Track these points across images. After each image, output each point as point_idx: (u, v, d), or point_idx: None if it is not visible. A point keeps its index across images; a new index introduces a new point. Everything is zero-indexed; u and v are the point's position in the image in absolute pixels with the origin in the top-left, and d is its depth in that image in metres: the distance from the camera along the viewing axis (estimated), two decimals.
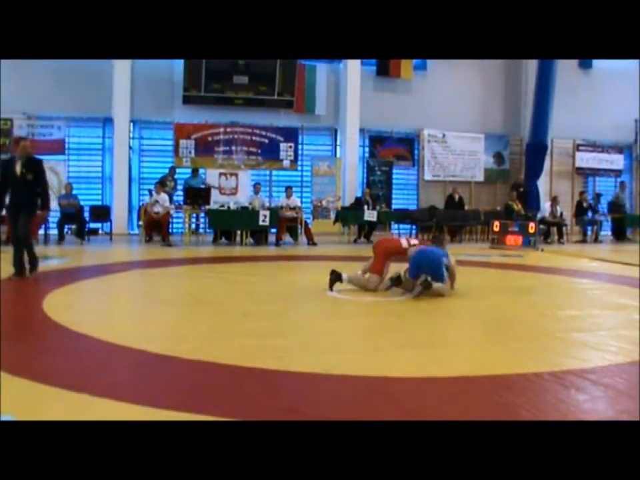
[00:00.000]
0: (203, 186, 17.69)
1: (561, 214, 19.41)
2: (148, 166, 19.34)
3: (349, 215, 17.84)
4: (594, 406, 4.04)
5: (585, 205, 20.09)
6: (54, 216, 15.87)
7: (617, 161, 23.44)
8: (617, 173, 23.49)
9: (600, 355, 5.33)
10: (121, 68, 18.10)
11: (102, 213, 17.49)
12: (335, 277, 8.32)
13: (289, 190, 17.32)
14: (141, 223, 16.95)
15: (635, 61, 23.44)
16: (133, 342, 5.35)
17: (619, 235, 20.42)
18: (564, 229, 19.34)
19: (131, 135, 19.04)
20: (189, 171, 18.74)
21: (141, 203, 18.28)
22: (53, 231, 15.90)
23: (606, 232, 20.84)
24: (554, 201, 19.72)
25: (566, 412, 3.90)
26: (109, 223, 17.32)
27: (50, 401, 3.87)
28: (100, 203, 18.46)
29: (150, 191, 16.89)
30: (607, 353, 5.40)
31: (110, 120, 18.61)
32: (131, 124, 18.92)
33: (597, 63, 22.83)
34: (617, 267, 12.51)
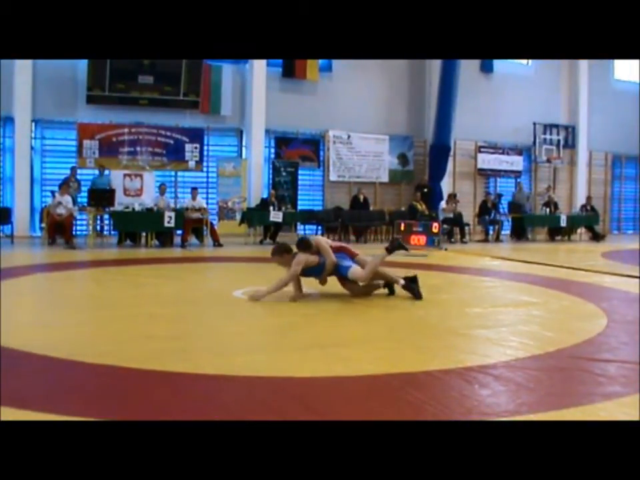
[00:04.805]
0: (108, 187, 17.40)
1: (459, 213, 19.73)
2: (50, 167, 18.86)
3: (254, 216, 17.82)
4: (496, 400, 4.14)
5: (489, 204, 20.56)
6: None
7: (516, 162, 24.23)
8: (517, 174, 24.25)
9: (501, 351, 5.47)
10: (23, 65, 17.57)
11: (2, 215, 16.97)
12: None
13: (194, 191, 17.20)
14: (43, 225, 16.53)
15: (533, 66, 24.24)
16: (36, 348, 5.20)
17: (518, 234, 20.98)
18: (466, 228, 19.78)
19: (33, 135, 18.53)
20: (92, 171, 18.40)
21: (43, 205, 17.84)
22: None
23: (506, 231, 21.39)
24: (449, 198, 20.11)
25: (470, 407, 3.99)
26: (9, 226, 16.82)
27: None
28: (0, 204, 17.93)
29: (53, 192, 16.49)
30: (508, 348, 5.55)
31: (10, 119, 18.06)
32: (33, 123, 18.42)
33: (497, 67, 23.48)
34: (517, 265, 12.88)
